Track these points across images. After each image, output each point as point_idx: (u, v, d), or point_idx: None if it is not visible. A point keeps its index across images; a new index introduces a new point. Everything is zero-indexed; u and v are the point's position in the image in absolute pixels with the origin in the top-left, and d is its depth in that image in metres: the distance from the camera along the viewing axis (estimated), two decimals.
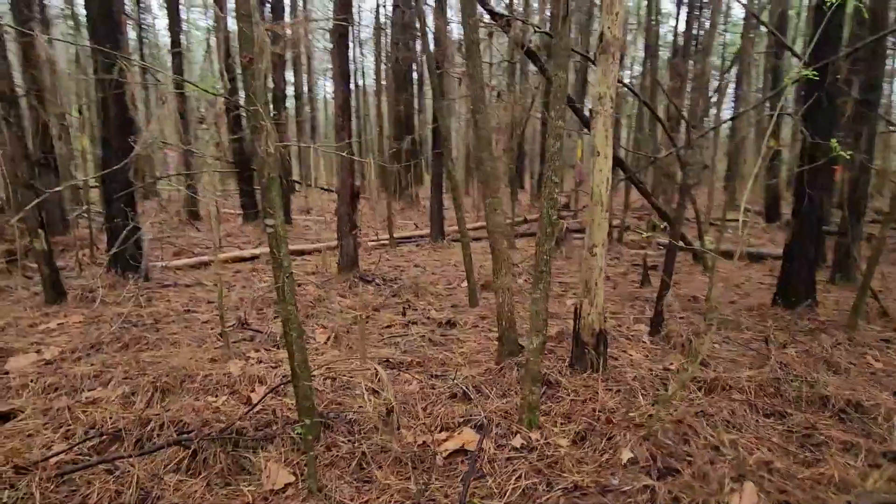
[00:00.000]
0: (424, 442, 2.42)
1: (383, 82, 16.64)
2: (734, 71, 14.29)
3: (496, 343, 3.52)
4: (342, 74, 5.91)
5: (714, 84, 13.93)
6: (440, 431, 2.58)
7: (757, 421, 2.78)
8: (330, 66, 13.31)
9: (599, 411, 2.72)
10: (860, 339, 4.12)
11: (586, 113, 4.73)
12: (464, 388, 2.96)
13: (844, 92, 5.48)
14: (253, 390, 2.99)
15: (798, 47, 10.67)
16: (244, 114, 6.88)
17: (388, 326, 4.38)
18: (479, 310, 4.81)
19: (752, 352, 3.80)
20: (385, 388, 2.55)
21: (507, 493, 2.11)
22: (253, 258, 7.11)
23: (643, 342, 3.98)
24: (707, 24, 15.73)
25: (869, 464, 2.42)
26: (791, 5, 13.17)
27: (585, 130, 6.27)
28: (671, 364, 3.51)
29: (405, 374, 3.28)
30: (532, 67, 11.40)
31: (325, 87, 26.36)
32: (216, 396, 2.89)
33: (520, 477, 2.20)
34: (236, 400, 2.89)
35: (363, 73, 20.25)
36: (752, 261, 7.30)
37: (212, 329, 4.20)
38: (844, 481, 2.26)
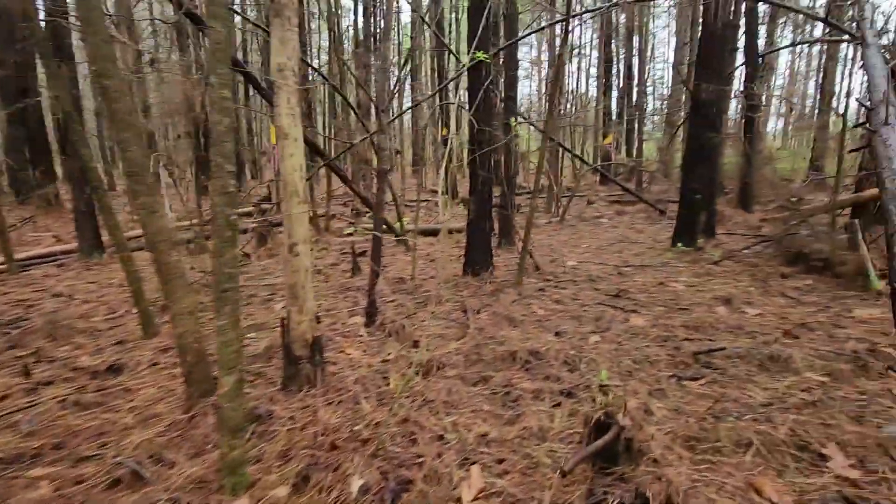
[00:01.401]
0: None
1: None
2: (408, 67, 15.95)
3: (183, 384, 2.71)
4: None
5: (395, 76, 15.22)
6: None
7: (469, 392, 2.92)
8: None
9: (322, 435, 2.34)
10: (526, 293, 5.01)
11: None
12: (133, 464, 2.10)
13: (495, 89, 6.53)
14: None
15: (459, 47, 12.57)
16: None
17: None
18: (160, 340, 3.75)
19: (454, 322, 4.10)
20: None
21: None
22: None
23: (360, 336, 3.81)
24: (381, 23, 17.00)
25: (553, 404, 2.81)
26: (454, 7, 15.34)
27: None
28: (389, 354, 3.43)
29: (29, 471, 2.15)
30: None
31: None
32: None
33: None
34: None
35: None
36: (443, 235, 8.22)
37: None
38: (541, 428, 2.54)
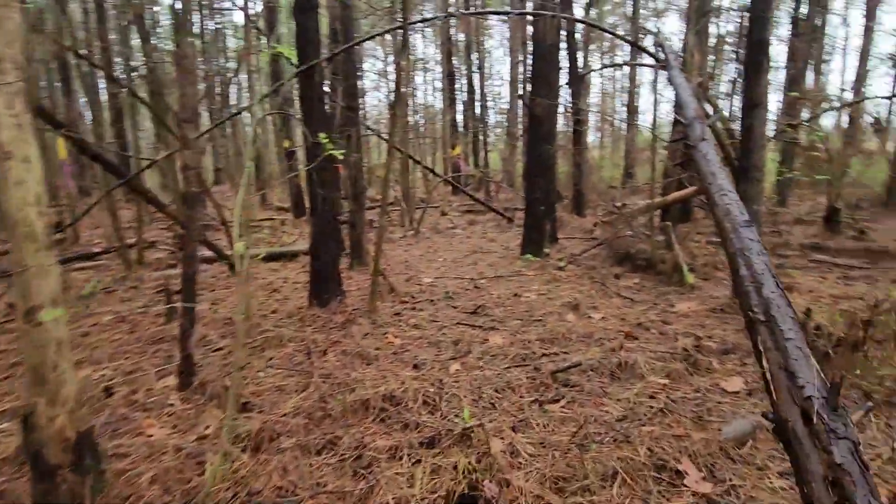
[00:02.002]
0: None
1: None
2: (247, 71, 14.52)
3: None
4: None
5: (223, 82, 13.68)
6: None
7: (311, 465, 2.38)
8: None
9: None
10: (381, 320, 4.59)
11: None
12: None
13: (333, 98, 6.02)
14: None
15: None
16: None
17: None
18: None
19: (296, 370, 3.49)
20: None
21: None
22: None
23: (171, 405, 2.99)
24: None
25: (413, 462, 2.42)
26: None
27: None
28: (208, 427, 2.71)
29: None
30: None
31: None
32: None
33: None
34: None
35: None
36: (289, 260, 7.41)
37: None
38: (399, 501, 2.12)
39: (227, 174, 15.87)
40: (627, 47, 19.56)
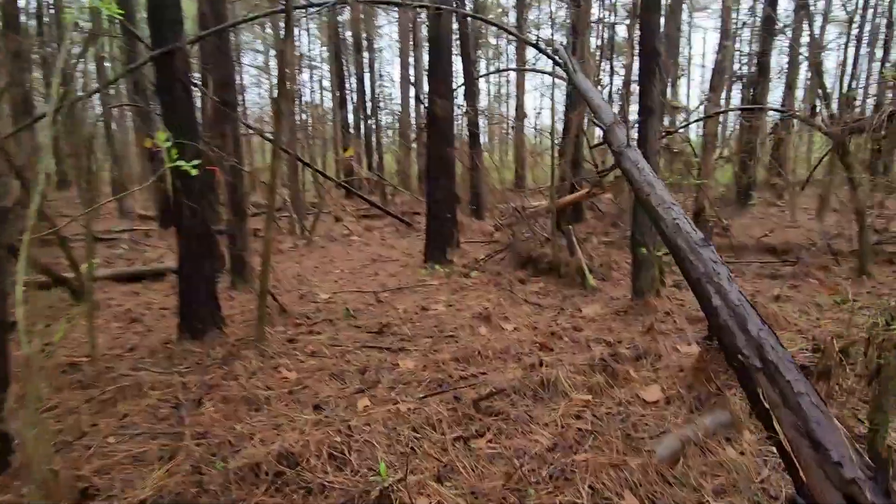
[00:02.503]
0: None
1: None
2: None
3: None
4: None
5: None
6: None
7: None
8: None
9: None
10: (272, 350, 3.94)
11: None
12: None
13: (205, 91, 5.15)
14: None
15: None
16: None
17: None
18: None
19: (161, 432, 2.77)
20: None
21: None
22: None
23: None
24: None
25: None
26: None
27: None
28: None
29: None
30: None
31: None
32: None
33: None
34: None
35: None
36: (153, 280, 6.28)
37: None
38: None
39: (77, 177, 13.44)
40: (513, 53, 20.32)
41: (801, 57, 10.19)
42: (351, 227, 10.73)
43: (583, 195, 7.95)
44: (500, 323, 4.58)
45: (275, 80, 13.34)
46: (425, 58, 17.87)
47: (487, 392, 2.99)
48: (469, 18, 9.20)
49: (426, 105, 6.50)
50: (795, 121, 10.78)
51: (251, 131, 5.30)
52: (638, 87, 4.39)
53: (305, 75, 22.83)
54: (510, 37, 15.15)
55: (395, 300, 5.42)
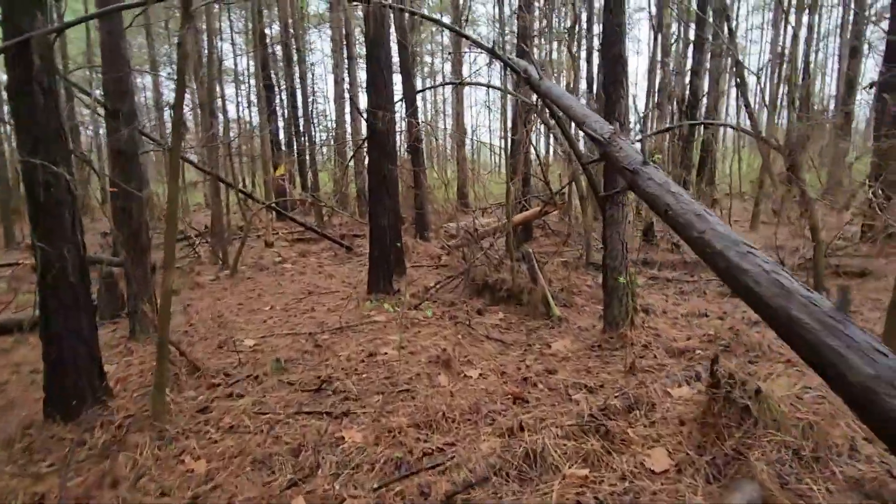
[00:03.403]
0: None
1: None
2: None
3: None
4: None
5: None
6: None
7: None
8: None
9: None
10: (175, 427, 3.03)
11: None
12: None
13: (92, 97, 4.14)
14: None
15: None
16: None
17: None
18: None
19: None
20: None
21: None
22: None
23: None
24: None
25: None
26: None
27: None
28: None
29: None
30: None
31: None
32: None
33: None
34: None
35: None
36: (31, 331, 5.04)
37: None
38: None
39: None
40: (449, 70, 20.09)
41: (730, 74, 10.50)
42: (283, 253, 9.71)
43: (535, 213, 7.53)
44: (463, 369, 3.92)
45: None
46: (360, 75, 17.17)
47: (464, 484, 2.31)
48: (408, 20, 8.65)
49: (366, 118, 5.80)
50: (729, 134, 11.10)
51: (152, 144, 4.35)
52: (604, 98, 3.96)
53: (230, 90, 21.42)
54: (446, 53, 14.79)
55: (337, 344, 4.61)
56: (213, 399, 3.49)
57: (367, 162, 6.17)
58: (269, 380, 3.83)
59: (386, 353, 4.29)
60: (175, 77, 2.57)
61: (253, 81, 22.20)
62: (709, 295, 5.96)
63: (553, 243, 9.33)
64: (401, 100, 8.05)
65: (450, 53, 14.58)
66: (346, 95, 15.00)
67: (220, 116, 12.42)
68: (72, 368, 2.97)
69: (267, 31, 17.44)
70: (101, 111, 5.07)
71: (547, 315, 5.11)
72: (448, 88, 16.02)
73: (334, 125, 17.21)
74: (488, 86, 11.97)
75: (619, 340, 4.18)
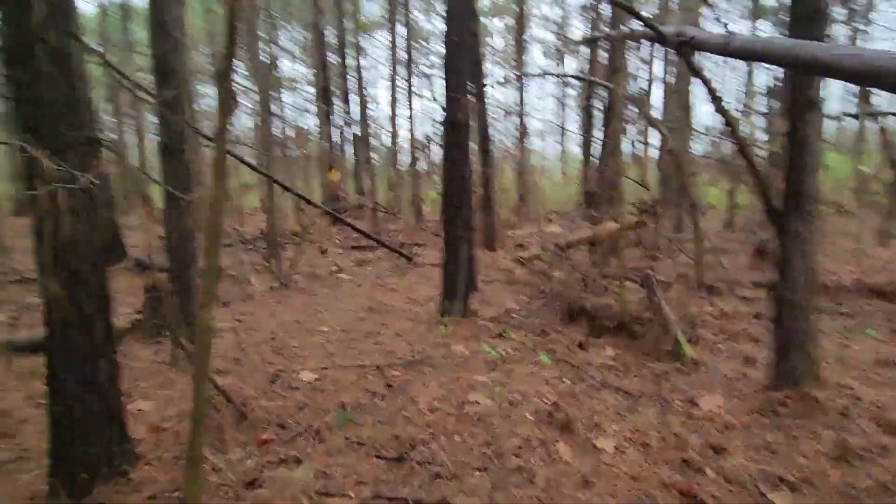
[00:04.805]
0: None
1: None
2: None
3: None
4: None
5: None
6: None
7: None
8: None
9: None
10: None
11: None
12: None
13: (122, 75, 3.49)
14: None
15: None
16: None
17: None
18: None
19: None
20: None
21: None
22: None
23: None
24: None
25: None
26: None
27: None
28: None
29: None
30: None
31: None
32: None
33: None
34: None
35: None
36: None
37: None
38: None
39: None
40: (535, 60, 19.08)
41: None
42: (339, 261, 9.01)
43: (631, 225, 6.40)
44: (589, 436, 2.91)
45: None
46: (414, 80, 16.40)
47: None
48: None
49: (443, 107, 4.91)
50: None
51: (199, 137, 3.73)
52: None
53: (287, 98, 21.29)
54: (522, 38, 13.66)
55: (413, 384, 3.71)
56: (264, 465, 2.65)
57: (442, 162, 5.26)
58: (333, 436, 2.97)
59: (478, 403, 3.34)
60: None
61: (309, 88, 22.10)
62: (881, 331, 4.65)
63: (640, 257, 8.12)
64: (484, 87, 7.12)
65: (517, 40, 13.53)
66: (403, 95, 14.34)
67: (276, 121, 12.03)
68: (82, 433, 2.19)
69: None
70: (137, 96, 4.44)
71: (675, 355, 4.01)
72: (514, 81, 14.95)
73: (390, 128, 16.62)
74: (580, 77, 10.78)
75: (803, 403, 3.03)
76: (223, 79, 2.06)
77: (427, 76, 17.78)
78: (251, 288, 6.95)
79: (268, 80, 9.24)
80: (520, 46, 14.35)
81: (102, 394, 2.24)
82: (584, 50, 12.21)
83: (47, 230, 1.97)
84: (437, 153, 13.35)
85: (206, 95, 20.40)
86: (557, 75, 11.16)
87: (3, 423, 3.17)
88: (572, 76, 11.67)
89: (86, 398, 2.18)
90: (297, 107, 22.38)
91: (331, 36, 15.70)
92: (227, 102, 2.13)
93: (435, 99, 10.26)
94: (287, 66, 21.00)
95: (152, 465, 2.54)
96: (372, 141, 16.76)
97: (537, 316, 5.27)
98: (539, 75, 9.69)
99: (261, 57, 9.31)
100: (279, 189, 8.13)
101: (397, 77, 16.01)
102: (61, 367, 2.17)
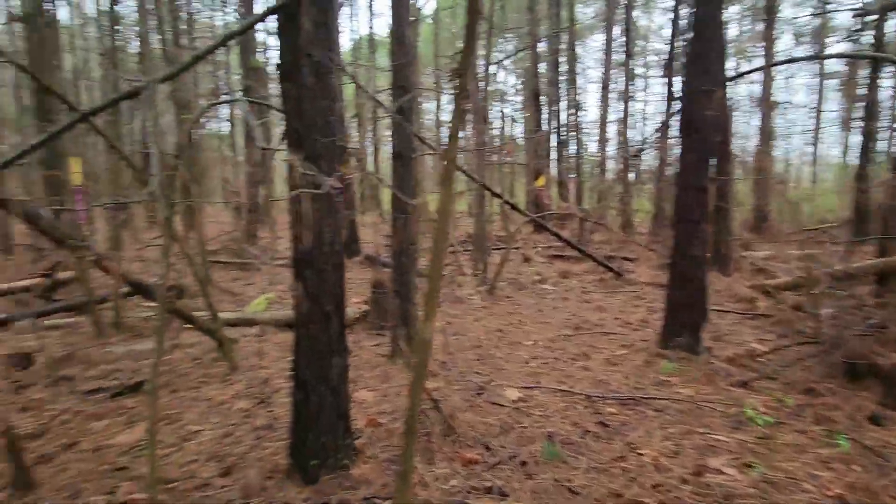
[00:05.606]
0: None
1: None
2: None
3: None
4: None
5: None
6: None
7: None
8: None
9: None
10: None
11: None
12: None
13: (364, 89, 3.80)
14: None
15: None
16: None
17: None
18: None
19: None
20: None
21: None
22: None
23: None
24: None
25: None
26: None
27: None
28: None
29: None
30: None
31: None
32: None
33: None
34: None
35: None
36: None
37: None
38: None
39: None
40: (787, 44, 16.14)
41: None
42: (542, 271, 8.74)
43: None
44: None
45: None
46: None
47: None
48: None
49: (684, 103, 4.19)
50: None
51: (425, 148, 3.93)
52: None
53: (497, 108, 22.06)
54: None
55: (631, 426, 3.17)
56: (469, 491, 2.49)
57: (678, 167, 4.51)
58: (540, 472, 2.66)
59: (722, 473, 2.63)
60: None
61: (518, 98, 22.52)
62: None
63: None
64: (731, 79, 6.02)
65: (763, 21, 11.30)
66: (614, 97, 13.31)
67: (488, 130, 12.44)
68: (315, 423, 2.34)
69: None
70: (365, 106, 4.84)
71: None
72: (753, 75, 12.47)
73: (598, 134, 15.73)
74: (867, 56, 8.45)
75: None
76: (460, 92, 1.94)
77: (644, 77, 16.32)
78: (461, 291, 7.17)
79: (486, 89, 9.57)
80: (769, 30, 11.94)
81: (334, 389, 2.36)
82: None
83: (295, 232, 2.13)
84: (648, 160, 12.07)
85: (429, 111, 22.48)
86: (836, 56, 8.81)
87: (264, 390, 3.74)
88: (857, 55, 9.09)
89: (321, 391, 2.32)
90: (506, 115, 22.99)
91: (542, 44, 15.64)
92: (461, 110, 2.01)
93: (646, 102, 9.15)
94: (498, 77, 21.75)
95: (368, 463, 2.62)
96: (579, 148, 16.13)
97: (797, 366, 4.09)
98: (808, 59, 7.72)
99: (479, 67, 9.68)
100: (488, 195, 8.27)
101: (610, 81, 15.07)
102: (303, 358, 2.35)
